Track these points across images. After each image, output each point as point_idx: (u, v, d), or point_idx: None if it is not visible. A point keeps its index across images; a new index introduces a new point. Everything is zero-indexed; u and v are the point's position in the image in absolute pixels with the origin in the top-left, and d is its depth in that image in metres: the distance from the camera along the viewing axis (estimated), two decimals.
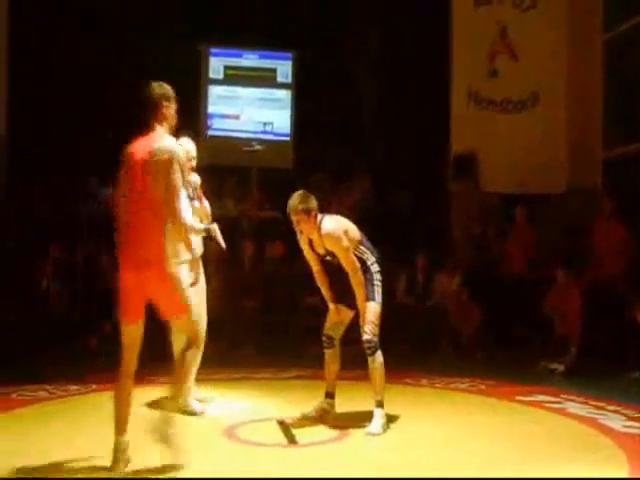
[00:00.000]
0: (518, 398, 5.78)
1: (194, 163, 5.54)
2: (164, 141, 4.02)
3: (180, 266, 5.39)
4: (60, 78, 10.74)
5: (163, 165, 3.91)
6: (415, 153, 10.73)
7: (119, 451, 3.93)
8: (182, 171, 3.97)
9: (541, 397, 5.79)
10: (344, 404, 5.11)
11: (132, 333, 3.99)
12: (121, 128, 11.11)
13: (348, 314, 4.99)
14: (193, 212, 5.25)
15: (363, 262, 4.86)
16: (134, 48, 11.02)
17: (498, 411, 5.46)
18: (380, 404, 4.79)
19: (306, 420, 4.96)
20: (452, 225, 9.99)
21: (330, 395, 5.06)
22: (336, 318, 4.99)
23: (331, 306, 4.98)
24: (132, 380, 4.02)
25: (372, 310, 4.79)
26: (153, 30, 11.20)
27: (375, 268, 4.89)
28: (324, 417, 4.98)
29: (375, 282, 4.85)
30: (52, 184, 9.79)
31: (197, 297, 5.13)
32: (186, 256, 5.34)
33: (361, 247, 4.90)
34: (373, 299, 4.81)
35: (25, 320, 7.83)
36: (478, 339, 8.03)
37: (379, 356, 4.81)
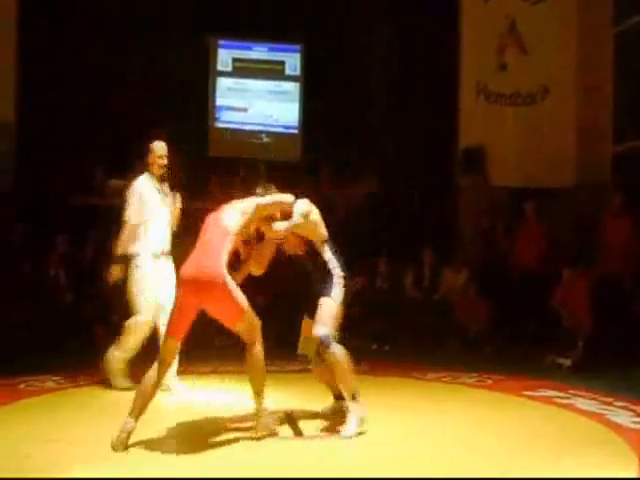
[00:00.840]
0: (525, 393, 5.76)
1: (165, 161, 5.82)
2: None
3: (151, 260, 5.62)
4: (69, 68, 10.75)
5: None
6: (423, 147, 10.70)
7: (125, 431, 4.09)
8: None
9: (549, 392, 5.77)
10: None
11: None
12: (129, 119, 11.20)
13: (308, 326, 4.77)
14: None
15: (319, 256, 4.76)
16: (144, 40, 11.02)
17: (505, 406, 5.44)
18: (353, 398, 4.55)
19: (314, 414, 4.95)
20: (460, 220, 9.97)
21: (339, 397, 4.93)
22: (307, 332, 4.81)
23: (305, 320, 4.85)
24: (160, 381, 4.28)
25: (327, 307, 4.61)
26: (162, 22, 11.19)
27: (337, 267, 4.72)
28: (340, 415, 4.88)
29: (336, 280, 4.68)
30: (59, 174, 9.80)
31: (166, 291, 5.37)
32: (157, 251, 5.53)
33: (326, 244, 4.80)
34: (329, 295, 4.64)
35: (33, 311, 7.85)
36: (486, 334, 8.02)
37: (336, 349, 4.53)
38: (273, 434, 4.40)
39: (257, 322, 4.40)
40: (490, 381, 6.27)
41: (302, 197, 4.76)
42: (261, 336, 4.39)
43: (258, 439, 4.31)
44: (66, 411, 5.09)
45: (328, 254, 4.76)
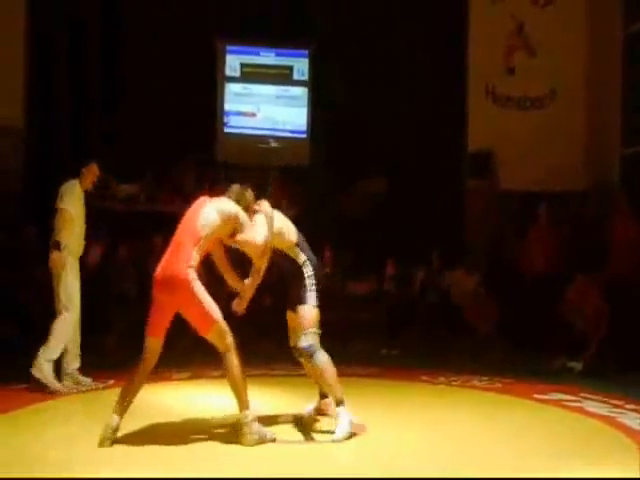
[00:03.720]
0: (536, 396, 5.74)
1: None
2: None
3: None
4: (77, 72, 10.81)
5: None
6: (432, 151, 10.70)
7: (110, 428, 4.27)
8: None
9: (559, 395, 5.75)
10: (353, 402, 5.04)
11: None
12: (139, 123, 11.17)
13: (293, 318, 4.85)
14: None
15: (294, 262, 4.79)
16: (151, 45, 11.08)
17: (515, 409, 5.42)
18: (340, 403, 4.59)
19: (320, 417, 4.96)
20: (469, 223, 9.95)
21: (324, 396, 4.98)
22: (291, 326, 4.92)
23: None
24: (145, 379, 4.42)
25: (307, 315, 4.68)
26: (171, 28, 11.24)
27: (309, 271, 4.76)
28: (325, 415, 4.94)
29: (309, 287, 4.73)
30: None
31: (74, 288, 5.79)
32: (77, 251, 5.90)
33: (296, 248, 4.81)
34: (306, 302, 4.70)
35: (43, 316, 7.86)
36: (495, 337, 7.99)
37: (320, 357, 4.62)
38: (267, 441, 4.35)
39: (228, 333, 4.39)
40: (500, 384, 6.25)
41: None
42: (234, 344, 4.38)
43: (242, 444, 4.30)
44: (74, 415, 5.11)
45: (300, 257, 4.79)
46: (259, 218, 4.69)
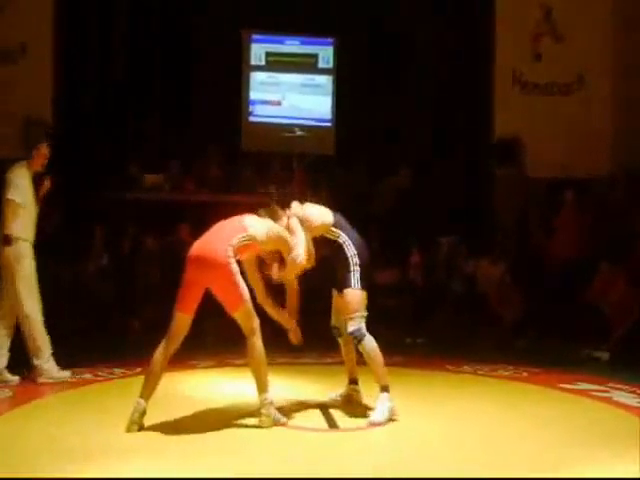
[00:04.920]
0: (562, 386, 5.70)
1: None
2: None
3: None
4: (105, 63, 10.88)
5: None
6: (459, 138, 10.63)
7: (137, 412, 4.34)
8: None
9: (586, 385, 5.70)
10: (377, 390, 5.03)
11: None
12: (165, 114, 11.22)
13: (338, 299, 4.88)
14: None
15: (335, 243, 4.79)
16: (180, 34, 11.12)
17: (541, 399, 5.39)
18: (384, 389, 4.65)
19: (345, 404, 4.97)
20: (496, 211, 9.87)
21: (353, 381, 5.05)
22: (336, 305, 4.96)
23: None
24: (168, 359, 4.46)
25: (352, 299, 4.69)
26: (196, 18, 11.27)
27: (351, 251, 4.75)
28: (350, 402, 4.98)
29: (352, 268, 4.73)
30: (94, 169, 9.91)
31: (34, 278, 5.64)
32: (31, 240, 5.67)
33: (334, 229, 4.82)
34: (350, 286, 4.70)
35: (71, 303, 7.96)
36: (521, 326, 7.94)
37: (368, 342, 4.66)
38: (279, 424, 4.46)
39: (255, 317, 4.49)
40: (526, 374, 6.21)
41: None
42: (259, 329, 4.47)
43: (262, 428, 4.40)
44: (107, 401, 5.17)
45: (340, 237, 4.78)
46: (296, 226, 4.70)
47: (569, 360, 6.74)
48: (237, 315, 4.48)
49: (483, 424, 4.66)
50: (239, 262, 4.54)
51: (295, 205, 4.88)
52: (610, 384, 5.71)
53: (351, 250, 4.76)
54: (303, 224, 4.74)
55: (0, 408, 5.01)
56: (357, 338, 4.67)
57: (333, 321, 5.00)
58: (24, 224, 5.69)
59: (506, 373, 6.24)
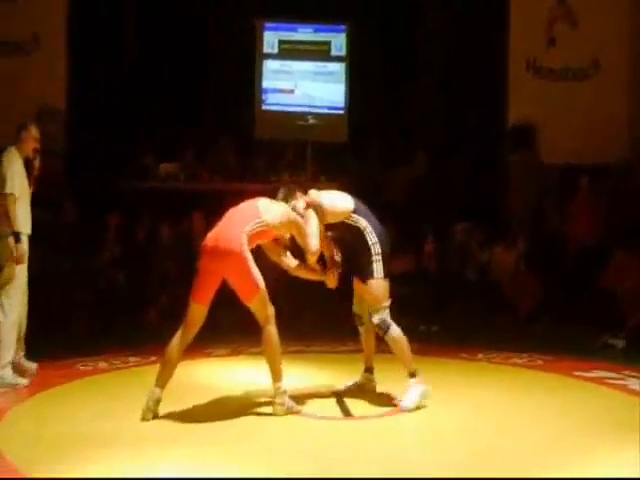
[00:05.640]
0: (577, 374, 5.68)
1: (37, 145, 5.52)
2: None
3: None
4: (119, 53, 10.89)
5: None
6: (473, 123, 10.57)
7: (152, 400, 4.38)
8: None
9: (601, 373, 5.67)
10: (392, 379, 5.03)
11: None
12: (179, 102, 11.20)
13: (360, 287, 4.86)
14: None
15: (356, 229, 4.75)
16: (193, 23, 11.10)
17: (556, 387, 5.37)
18: (412, 375, 4.68)
19: (359, 393, 4.98)
20: (510, 197, 9.82)
21: (369, 370, 5.06)
22: (357, 292, 4.94)
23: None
24: (183, 349, 4.49)
25: (375, 290, 4.68)
26: (209, 6, 11.25)
27: (372, 238, 4.71)
28: (363, 391, 5.00)
29: (374, 256, 4.70)
30: (109, 159, 9.94)
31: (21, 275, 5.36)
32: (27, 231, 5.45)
33: (354, 215, 4.78)
34: (372, 276, 4.68)
35: (87, 292, 8.01)
36: (536, 313, 7.91)
37: (393, 331, 4.67)
38: (293, 413, 4.49)
39: (270, 305, 4.50)
40: (540, 361, 6.19)
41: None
42: (274, 317, 4.49)
43: (276, 417, 4.44)
44: (121, 389, 5.21)
45: (360, 223, 4.75)
46: (310, 217, 4.68)
47: (584, 348, 6.70)
48: (252, 304, 4.49)
49: (497, 412, 4.66)
50: (257, 247, 4.56)
51: (313, 192, 4.87)
52: (626, 372, 5.68)
53: (373, 237, 4.73)
54: (320, 211, 4.70)
55: (17, 396, 5.07)
56: (383, 328, 4.68)
57: (355, 309, 5.00)
58: (23, 217, 5.38)
59: (520, 361, 6.23)
